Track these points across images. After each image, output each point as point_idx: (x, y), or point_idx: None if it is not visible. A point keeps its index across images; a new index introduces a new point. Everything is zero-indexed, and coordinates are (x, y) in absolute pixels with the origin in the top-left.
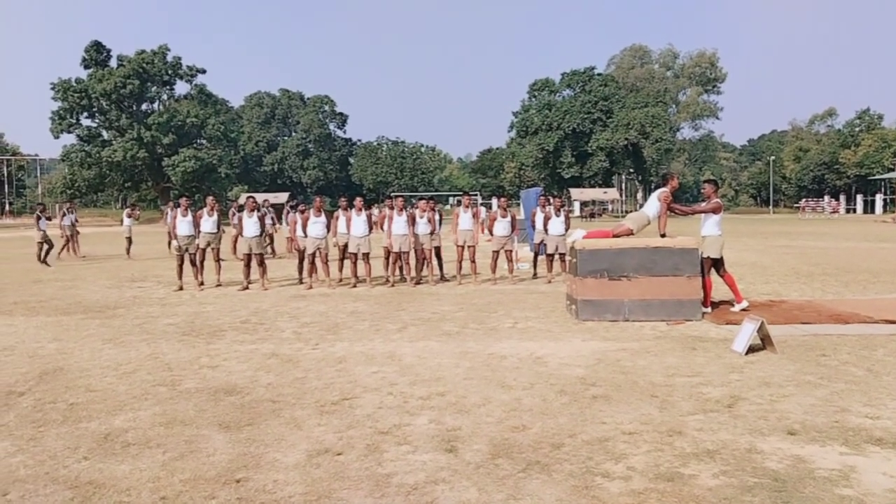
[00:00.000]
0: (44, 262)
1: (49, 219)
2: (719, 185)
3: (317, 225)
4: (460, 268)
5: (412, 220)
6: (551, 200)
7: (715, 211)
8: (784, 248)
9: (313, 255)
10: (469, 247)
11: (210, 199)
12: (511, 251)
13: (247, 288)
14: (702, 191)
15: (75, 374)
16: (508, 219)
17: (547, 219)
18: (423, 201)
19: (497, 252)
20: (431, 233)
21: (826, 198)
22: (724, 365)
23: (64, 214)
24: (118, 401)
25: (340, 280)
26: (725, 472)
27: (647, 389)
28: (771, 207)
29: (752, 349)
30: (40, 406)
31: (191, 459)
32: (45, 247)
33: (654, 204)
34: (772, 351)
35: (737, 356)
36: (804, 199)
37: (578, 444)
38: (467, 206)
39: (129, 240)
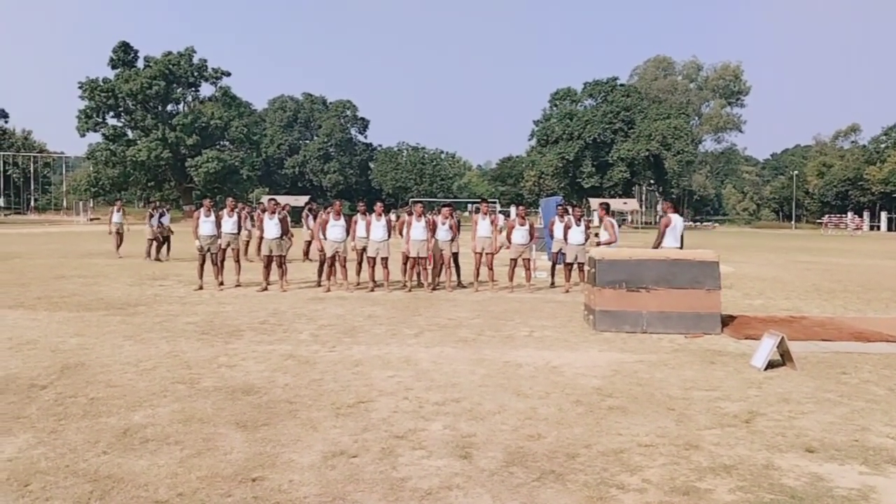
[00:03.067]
0: (156, 258)
1: (162, 215)
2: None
3: (336, 228)
4: (477, 274)
5: (432, 226)
6: (570, 210)
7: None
8: (806, 263)
9: (332, 258)
10: (487, 254)
11: (230, 199)
12: (529, 259)
13: (265, 289)
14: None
15: (96, 370)
16: (527, 227)
17: (567, 228)
18: (447, 208)
19: (515, 260)
20: (452, 239)
21: (849, 214)
22: (742, 380)
23: (150, 216)
24: (138, 397)
25: (358, 284)
26: (742, 487)
27: (663, 402)
28: (793, 223)
29: (771, 365)
30: (61, 400)
31: (208, 457)
32: (155, 243)
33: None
34: (791, 367)
35: (755, 371)
36: (827, 215)
37: (594, 455)
38: (486, 214)
39: (120, 236)
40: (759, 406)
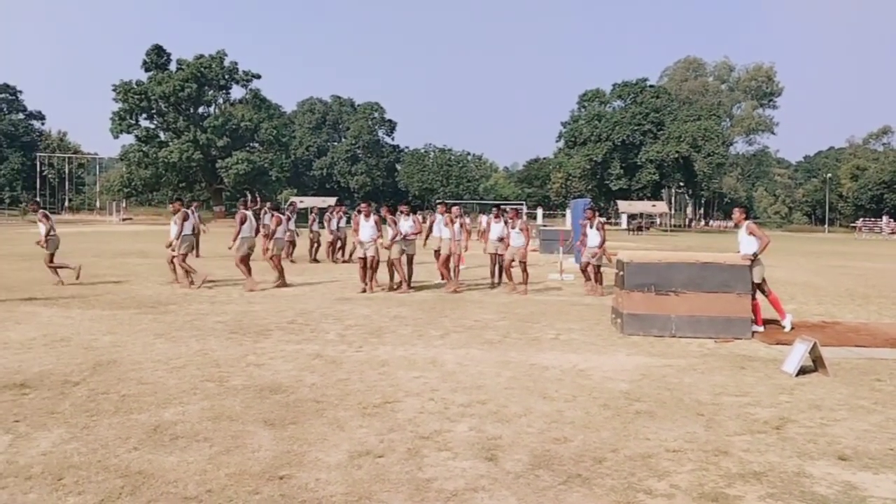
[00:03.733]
0: (314, 259)
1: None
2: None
3: (365, 229)
4: (492, 274)
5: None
6: (585, 213)
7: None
8: (839, 268)
9: (364, 258)
10: (499, 255)
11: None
12: (524, 263)
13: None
14: (733, 217)
15: (128, 367)
16: (517, 229)
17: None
18: (456, 208)
19: (493, 255)
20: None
21: (885, 218)
22: (773, 385)
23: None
24: (168, 394)
25: (393, 287)
26: (772, 494)
27: (692, 407)
28: (826, 226)
29: (803, 371)
30: (94, 396)
31: (236, 454)
32: (316, 245)
33: (746, 240)
34: (824, 373)
35: (787, 377)
36: (861, 219)
37: (621, 459)
38: (498, 218)
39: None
40: (790, 412)
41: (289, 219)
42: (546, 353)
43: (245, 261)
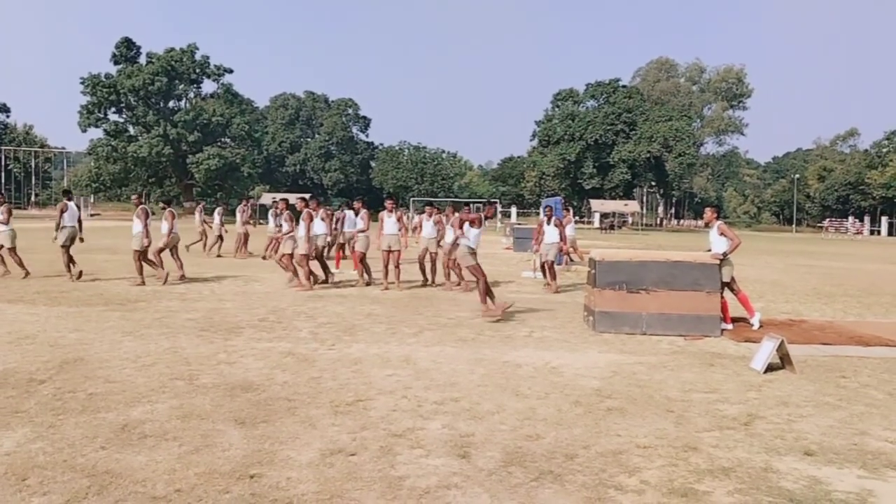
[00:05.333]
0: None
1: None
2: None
3: (388, 224)
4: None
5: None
6: (546, 210)
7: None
8: (806, 267)
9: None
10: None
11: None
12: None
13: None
14: (704, 216)
15: (95, 365)
16: (431, 222)
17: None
18: (429, 206)
19: (423, 251)
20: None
21: (850, 218)
22: (741, 382)
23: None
24: (136, 393)
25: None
26: (740, 490)
27: (662, 404)
28: (794, 226)
29: (770, 368)
30: (60, 395)
31: (206, 453)
32: (220, 241)
33: (717, 240)
34: (791, 370)
35: (755, 374)
36: (828, 220)
37: (592, 456)
38: (430, 215)
39: (221, 238)
40: (758, 409)
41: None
42: (519, 350)
43: (319, 258)
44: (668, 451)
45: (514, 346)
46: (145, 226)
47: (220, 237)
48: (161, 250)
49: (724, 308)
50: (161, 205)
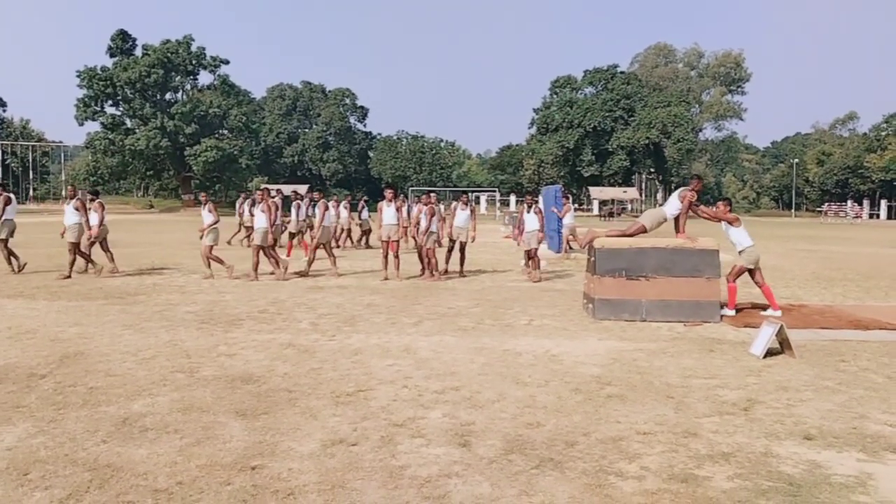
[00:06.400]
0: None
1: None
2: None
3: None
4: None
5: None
6: (526, 199)
7: (732, 222)
8: (805, 252)
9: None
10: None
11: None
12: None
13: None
14: (716, 209)
15: (95, 359)
16: (392, 208)
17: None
18: (426, 196)
19: (386, 242)
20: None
21: (849, 202)
22: (741, 368)
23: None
24: (137, 386)
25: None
26: (740, 474)
27: (662, 390)
28: (793, 211)
29: (770, 353)
30: (61, 389)
31: (207, 445)
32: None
33: (674, 203)
34: (790, 355)
35: (754, 359)
36: (827, 204)
37: (592, 443)
38: (465, 204)
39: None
40: (757, 394)
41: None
42: (519, 338)
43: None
44: (668, 437)
45: (513, 334)
46: (85, 217)
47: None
48: (92, 243)
49: (730, 293)
50: (90, 196)
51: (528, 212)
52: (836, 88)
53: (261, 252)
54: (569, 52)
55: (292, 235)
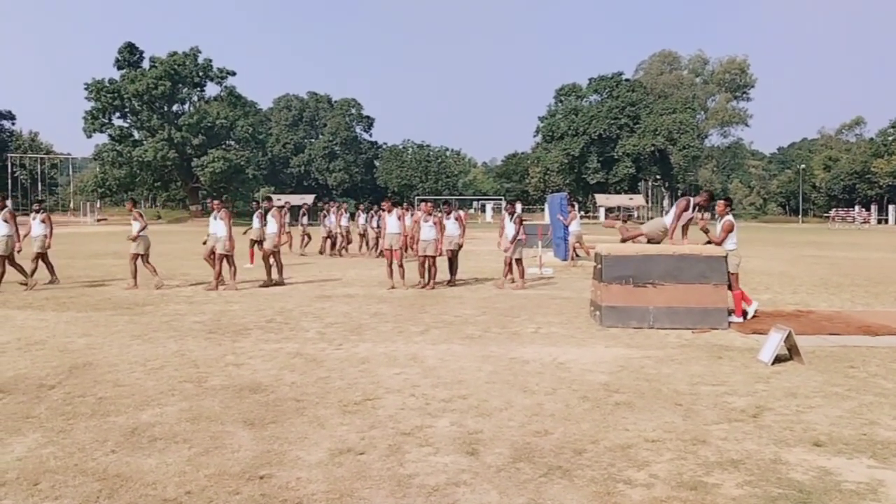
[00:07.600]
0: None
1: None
2: (732, 201)
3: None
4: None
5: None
6: (507, 207)
7: (728, 231)
8: (813, 257)
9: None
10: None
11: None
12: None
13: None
14: (716, 208)
15: (104, 369)
16: (430, 224)
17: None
18: (426, 204)
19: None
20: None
21: (857, 208)
22: (749, 374)
23: (324, 215)
24: (146, 396)
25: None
26: (749, 482)
27: (671, 397)
28: (800, 217)
29: (778, 359)
30: (70, 399)
31: (216, 455)
32: (329, 241)
33: (673, 213)
34: (799, 362)
35: (763, 366)
36: (834, 209)
37: (601, 451)
38: (447, 214)
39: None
40: (766, 401)
41: (304, 214)
42: (526, 346)
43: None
44: (676, 445)
45: (521, 342)
46: (16, 229)
47: (308, 235)
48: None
49: (742, 297)
50: (35, 206)
51: (510, 220)
52: (842, 93)
53: (225, 260)
54: (573, 60)
55: (253, 243)
